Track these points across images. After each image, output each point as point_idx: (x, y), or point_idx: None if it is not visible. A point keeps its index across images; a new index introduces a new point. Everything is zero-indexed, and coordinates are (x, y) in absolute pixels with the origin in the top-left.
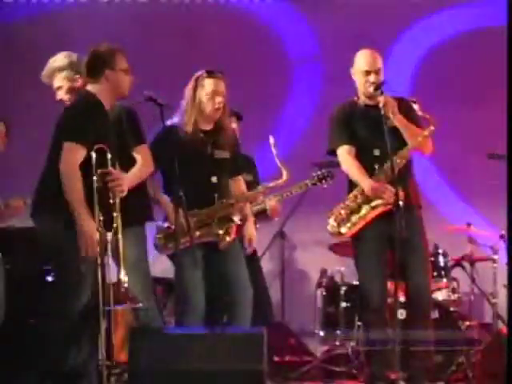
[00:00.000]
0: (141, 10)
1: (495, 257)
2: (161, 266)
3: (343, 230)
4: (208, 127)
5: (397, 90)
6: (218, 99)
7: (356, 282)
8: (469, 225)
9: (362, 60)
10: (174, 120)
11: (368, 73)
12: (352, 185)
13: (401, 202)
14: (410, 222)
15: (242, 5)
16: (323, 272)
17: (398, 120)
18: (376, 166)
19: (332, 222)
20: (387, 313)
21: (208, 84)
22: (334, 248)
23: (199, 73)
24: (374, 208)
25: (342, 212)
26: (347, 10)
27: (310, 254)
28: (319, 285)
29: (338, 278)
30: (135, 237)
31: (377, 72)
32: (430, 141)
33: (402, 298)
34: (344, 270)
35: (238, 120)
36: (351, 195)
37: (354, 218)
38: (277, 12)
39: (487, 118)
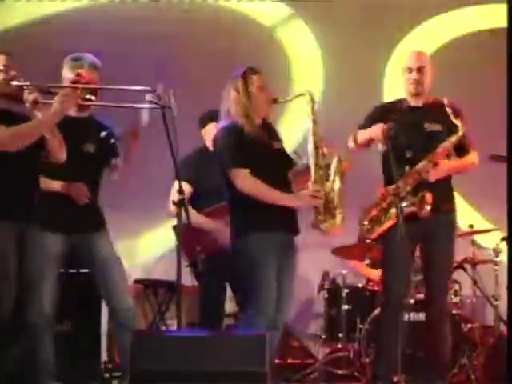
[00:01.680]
0: (141, 13)
1: (497, 259)
2: (162, 268)
3: (373, 229)
4: (259, 122)
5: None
6: (269, 91)
7: (359, 285)
8: (471, 227)
9: (406, 58)
10: (223, 122)
11: (410, 70)
12: (388, 175)
13: (428, 207)
14: (439, 226)
15: (241, 6)
16: (325, 275)
17: (448, 173)
18: (407, 168)
19: (366, 222)
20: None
21: (256, 79)
22: (337, 251)
23: (241, 70)
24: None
25: (374, 212)
26: (350, 11)
27: (313, 257)
28: (321, 287)
29: (340, 281)
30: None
31: (419, 69)
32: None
33: (411, 300)
34: (346, 272)
35: None
36: (380, 194)
37: (383, 219)
38: (278, 14)
39: (489, 119)
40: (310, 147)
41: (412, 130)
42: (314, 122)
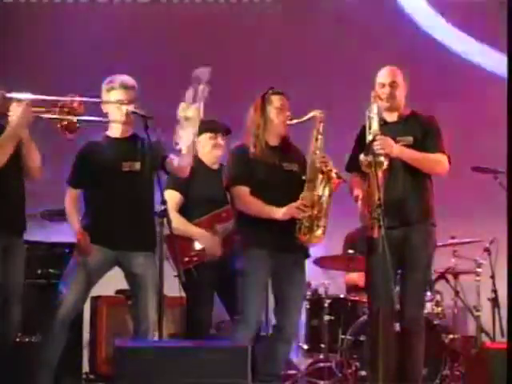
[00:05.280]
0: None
1: (479, 270)
2: None
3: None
4: (275, 143)
5: None
6: (287, 113)
7: (341, 295)
8: (453, 238)
9: (379, 74)
10: (240, 141)
11: (383, 85)
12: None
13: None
14: (409, 240)
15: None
16: (307, 285)
17: (404, 157)
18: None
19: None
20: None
21: (276, 100)
22: (319, 261)
23: (264, 91)
24: None
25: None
26: None
27: None
28: (303, 298)
29: (322, 292)
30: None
31: (392, 84)
32: (443, 163)
33: None
34: (328, 283)
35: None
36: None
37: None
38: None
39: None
40: (308, 162)
41: None
42: (317, 139)
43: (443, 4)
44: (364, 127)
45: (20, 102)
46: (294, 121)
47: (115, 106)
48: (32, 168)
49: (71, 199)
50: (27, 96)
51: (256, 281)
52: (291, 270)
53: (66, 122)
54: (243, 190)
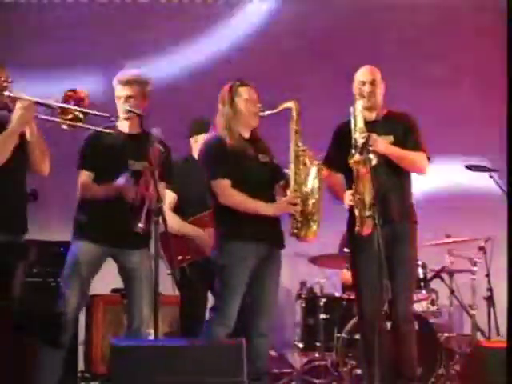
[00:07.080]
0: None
1: (474, 268)
2: None
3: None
4: (246, 135)
5: None
6: (258, 104)
7: (337, 294)
8: (448, 236)
9: (358, 72)
10: (208, 134)
11: (363, 83)
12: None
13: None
14: (394, 237)
15: None
16: (303, 284)
17: (389, 154)
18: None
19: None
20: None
21: (244, 91)
22: (314, 260)
23: (230, 83)
24: None
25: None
26: None
27: (290, 266)
28: (299, 296)
29: (317, 290)
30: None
31: (372, 82)
32: (424, 161)
33: None
34: (323, 281)
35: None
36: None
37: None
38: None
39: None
40: (292, 156)
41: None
42: (297, 132)
43: None
44: (342, 125)
45: (23, 102)
46: (267, 112)
47: (118, 103)
48: (40, 163)
49: (86, 181)
50: (33, 99)
51: (238, 278)
52: (269, 262)
53: (71, 116)
54: (226, 183)
